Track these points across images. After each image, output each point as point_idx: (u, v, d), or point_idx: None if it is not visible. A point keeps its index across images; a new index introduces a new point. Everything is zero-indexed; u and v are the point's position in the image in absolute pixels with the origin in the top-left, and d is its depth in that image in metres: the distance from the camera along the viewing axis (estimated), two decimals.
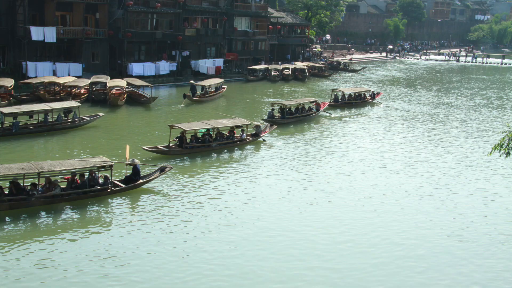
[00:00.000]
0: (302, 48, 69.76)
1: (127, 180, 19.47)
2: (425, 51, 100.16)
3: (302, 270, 14.29)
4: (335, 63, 69.42)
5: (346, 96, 41.29)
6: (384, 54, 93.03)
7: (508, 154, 13.41)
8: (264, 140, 27.82)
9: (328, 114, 36.52)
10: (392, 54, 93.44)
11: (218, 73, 50.48)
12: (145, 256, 14.49)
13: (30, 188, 17.46)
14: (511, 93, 54.61)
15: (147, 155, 23.65)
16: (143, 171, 20.53)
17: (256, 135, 27.75)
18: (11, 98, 33.40)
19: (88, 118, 29.25)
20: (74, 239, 15.34)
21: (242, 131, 27.06)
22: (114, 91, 36.36)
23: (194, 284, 13.38)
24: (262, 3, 58.89)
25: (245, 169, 22.89)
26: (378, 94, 44.67)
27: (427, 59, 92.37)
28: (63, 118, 28.45)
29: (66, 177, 18.66)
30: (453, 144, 29.61)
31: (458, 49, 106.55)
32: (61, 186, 18.07)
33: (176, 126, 24.96)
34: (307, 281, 13.78)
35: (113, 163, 18.79)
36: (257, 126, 28.06)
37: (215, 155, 25.01)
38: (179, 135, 24.85)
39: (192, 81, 41.20)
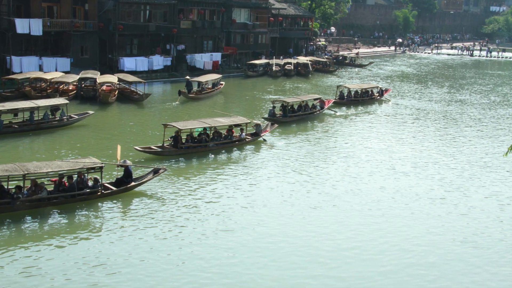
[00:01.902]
0: (305, 42, 69.77)
1: (119, 182, 19.48)
2: (436, 44, 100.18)
3: (305, 278, 14.29)
4: (341, 58, 69.46)
5: (352, 92, 41.31)
6: (392, 48, 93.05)
7: None
8: (264, 140, 27.84)
9: (333, 112, 36.55)
10: (401, 48, 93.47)
11: (215, 68, 50.50)
12: (137, 264, 14.49)
13: (15, 191, 17.44)
14: None
15: (140, 156, 23.66)
16: (136, 173, 20.54)
17: (256, 134, 27.77)
18: None
19: (76, 117, 29.27)
20: (62, 246, 15.34)
21: (241, 130, 27.07)
22: (104, 87, 36.39)
23: None
24: None
25: (244, 171, 22.90)
26: (386, 90, 44.71)
27: (438, 54, 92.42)
28: (50, 117, 28.45)
29: (53, 179, 18.65)
30: (466, 144, 29.63)
31: (471, 43, 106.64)
32: (48, 189, 18.07)
33: (171, 125, 24.97)
34: None
35: (103, 165, 18.79)
36: (257, 125, 28.08)
37: (212, 156, 25.02)
38: (173, 135, 24.87)
39: (187, 77, 41.22)
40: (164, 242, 15.86)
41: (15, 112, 27.63)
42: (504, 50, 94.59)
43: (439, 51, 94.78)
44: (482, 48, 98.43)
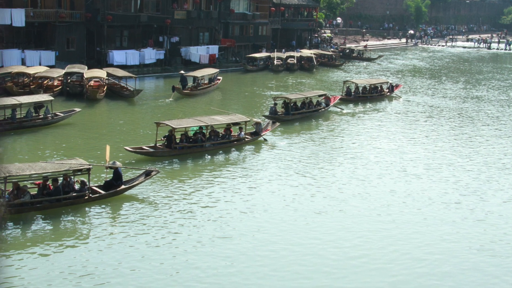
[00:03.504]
0: (309, 34, 69.84)
1: (107, 185, 19.48)
2: (451, 37, 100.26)
3: None
4: (348, 51, 69.56)
5: (360, 88, 41.34)
6: (404, 40, 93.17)
7: None
8: (265, 140, 27.86)
9: (339, 110, 36.58)
10: (413, 40, 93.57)
11: (212, 62, 50.54)
12: (127, 274, 14.49)
13: None
14: None
15: (131, 157, 23.67)
16: (126, 175, 20.55)
17: (256, 133, 27.78)
18: None
19: (62, 114, 29.28)
20: (46, 254, 15.35)
21: (240, 129, 27.09)
22: (92, 83, 36.40)
23: None
24: None
25: (243, 173, 22.91)
26: (397, 86, 44.76)
27: (453, 46, 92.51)
28: (34, 114, 28.48)
29: (37, 182, 18.65)
30: (483, 144, 29.65)
31: (489, 35, 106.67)
32: (31, 193, 18.06)
33: (164, 124, 24.98)
34: None
35: (91, 166, 18.79)
36: (257, 124, 28.09)
37: (209, 156, 25.04)
38: (167, 134, 24.88)
39: (182, 72, 41.27)
40: (156, 250, 15.86)
41: None
42: None
43: (454, 43, 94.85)
44: (501, 40, 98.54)
